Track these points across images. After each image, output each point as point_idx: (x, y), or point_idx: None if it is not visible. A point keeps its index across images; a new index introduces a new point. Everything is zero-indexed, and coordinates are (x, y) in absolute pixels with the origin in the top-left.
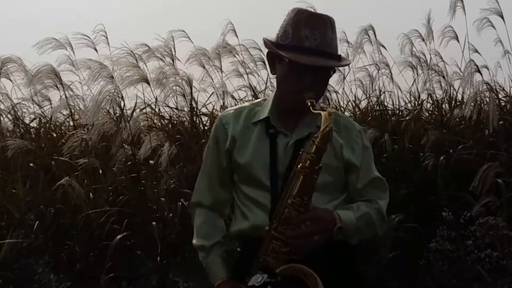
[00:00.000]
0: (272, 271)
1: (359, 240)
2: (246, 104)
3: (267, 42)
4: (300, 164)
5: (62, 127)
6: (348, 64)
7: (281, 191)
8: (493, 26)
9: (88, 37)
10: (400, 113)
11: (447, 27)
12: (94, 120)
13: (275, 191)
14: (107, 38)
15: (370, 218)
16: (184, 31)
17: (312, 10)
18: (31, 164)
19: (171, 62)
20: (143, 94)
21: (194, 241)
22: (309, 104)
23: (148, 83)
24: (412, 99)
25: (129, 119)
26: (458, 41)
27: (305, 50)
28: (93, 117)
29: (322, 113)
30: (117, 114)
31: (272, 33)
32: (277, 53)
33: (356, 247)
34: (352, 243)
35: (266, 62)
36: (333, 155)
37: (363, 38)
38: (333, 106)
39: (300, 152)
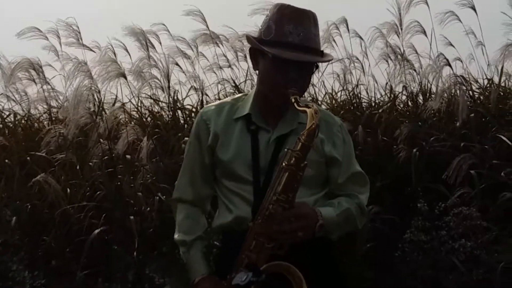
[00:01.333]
0: (257, 269)
1: (339, 236)
2: (227, 99)
3: (250, 38)
4: (286, 162)
5: (39, 122)
6: (330, 60)
7: (264, 185)
8: (459, 19)
9: (74, 29)
10: (376, 105)
11: (413, 21)
12: (73, 115)
13: (257, 185)
14: (79, 33)
15: (350, 213)
16: (164, 24)
17: (295, 5)
18: (6, 161)
19: (149, 54)
20: (121, 88)
21: (175, 236)
22: (293, 100)
23: (125, 78)
24: (387, 91)
25: (106, 113)
26: (425, 35)
27: (289, 46)
28: (72, 112)
29: (308, 110)
30: (94, 109)
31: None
32: (261, 48)
33: (335, 243)
34: (332, 238)
35: (248, 58)
36: (314, 150)
37: (331, 31)
38: (309, 98)
39: (286, 150)
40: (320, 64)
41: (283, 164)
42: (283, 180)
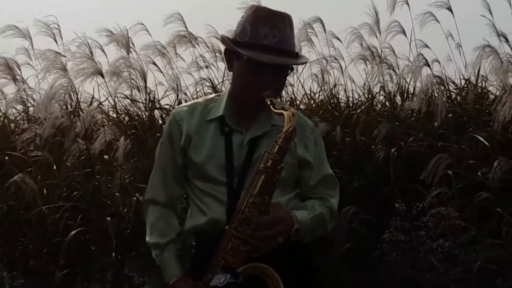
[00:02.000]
0: (234, 271)
1: (310, 239)
2: (200, 100)
3: (224, 39)
4: (263, 164)
5: (16, 122)
6: (305, 62)
7: (237, 186)
8: (437, 20)
9: (49, 26)
10: (354, 105)
11: (393, 22)
12: (47, 114)
13: (231, 186)
14: (60, 30)
15: (323, 217)
16: (142, 24)
17: (269, 8)
18: None
19: (127, 54)
20: (98, 88)
21: (147, 239)
22: (268, 102)
23: (102, 76)
24: (365, 91)
25: (83, 112)
26: (405, 35)
27: (264, 48)
28: (45, 110)
29: (285, 113)
30: (71, 108)
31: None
32: (236, 50)
33: (310, 244)
34: (304, 241)
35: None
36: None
37: (308, 30)
38: (288, 99)
39: (263, 152)
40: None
41: (260, 166)
42: (260, 183)
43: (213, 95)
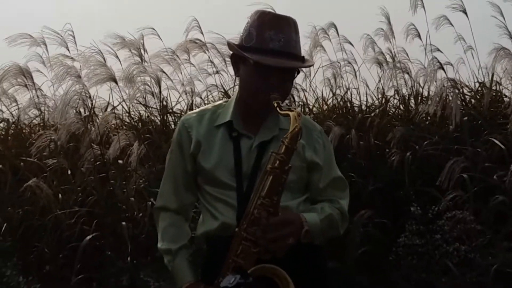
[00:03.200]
0: (244, 272)
1: (321, 241)
2: (208, 106)
3: (231, 44)
4: (270, 165)
5: (30, 128)
6: (311, 65)
7: (247, 191)
8: (451, 24)
9: (60, 34)
10: (368, 109)
11: (410, 25)
12: (62, 120)
13: (241, 190)
14: (74, 37)
15: (333, 219)
16: (153, 29)
17: (275, 12)
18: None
19: (139, 60)
20: (111, 93)
21: (159, 245)
22: (275, 105)
23: (116, 82)
24: (379, 96)
25: (97, 118)
26: (420, 38)
27: (270, 52)
28: (61, 117)
29: (291, 113)
30: (85, 114)
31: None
32: (242, 55)
33: (322, 247)
34: (315, 243)
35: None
36: (296, 155)
37: (321, 36)
38: (300, 103)
39: (270, 153)
40: (307, 69)
41: (268, 167)
42: (268, 184)
43: (221, 101)
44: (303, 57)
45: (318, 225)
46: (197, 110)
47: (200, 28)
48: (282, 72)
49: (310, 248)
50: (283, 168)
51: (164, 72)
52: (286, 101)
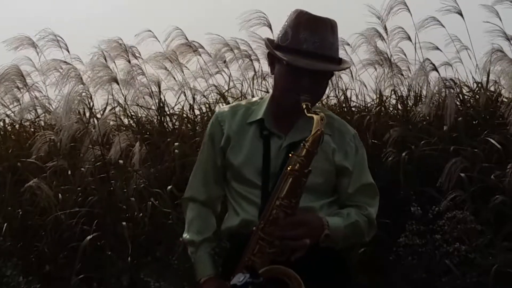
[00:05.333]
0: (255, 271)
1: (343, 246)
2: (243, 102)
3: (267, 43)
4: (290, 167)
5: (30, 128)
6: (347, 68)
7: (272, 190)
8: (442, 25)
9: (61, 37)
10: (365, 109)
11: (397, 27)
12: (65, 121)
13: (266, 189)
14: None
15: (358, 226)
16: (151, 31)
17: (312, 13)
18: None
19: (137, 63)
20: (111, 94)
21: (184, 235)
22: (304, 107)
23: (118, 83)
24: (377, 95)
25: (98, 119)
26: (410, 40)
27: (303, 53)
28: (64, 118)
29: (315, 117)
30: (86, 115)
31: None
32: (275, 54)
33: (346, 254)
34: (336, 248)
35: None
36: (324, 158)
37: None
38: None
39: (290, 155)
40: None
41: (287, 169)
42: (287, 185)
43: (256, 98)
44: (340, 59)
45: (341, 230)
46: (232, 104)
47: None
48: (314, 74)
49: (331, 253)
50: (302, 171)
51: (164, 71)
52: (318, 104)
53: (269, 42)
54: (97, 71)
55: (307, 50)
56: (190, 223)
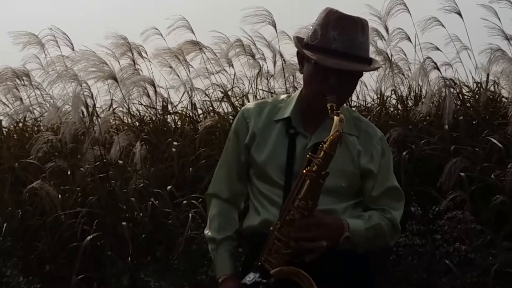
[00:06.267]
0: (266, 271)
1: (365, 250)
2: (269, 99)
3: (295, 41)
4: (307, 168)
5: (33, 127)
6: (378, 68)
7: None
8: (442, 25)
9: (66, 34)
10: (366, 109)
11: (397, 28)
12: (63, 119)
13: (288, 189)
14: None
15: (381, 229)
16: (157, 29)
17: (341, 12)
18: None
19: (135, 62)
20: (110, 93)
21: (205, 231)
22: (328, 107)
23: (116, 80)
24: (378, 95)
25: (98, 118)
26: (410, 41)
27: (332, 52)
28: (61, 116)
29: (335, 118)
30: (86, 115)
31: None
32: (303, 54)
33: (368, 257)
34: (358, 252)
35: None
36: (350, 161)
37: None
38: None
39: (307, 156)
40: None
41: (304, 170)
42: (304, 187)
43: (283, 96)
44: (371, 59)
45: (362, 232)
46: (258, 101)
47: (191, 28)
48: (342, 74)
49: (353, 256)
50: (319, 172)
51: (168, 69)
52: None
53: (298, 41)
54: (93, 65)
55: (336, 49)
56: (212, 220)
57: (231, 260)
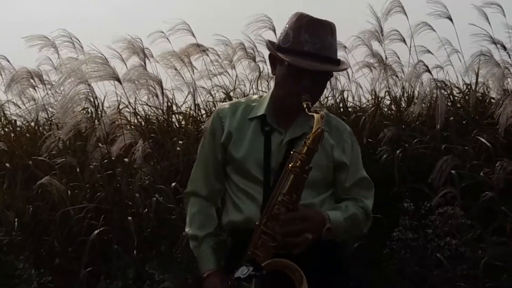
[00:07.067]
0: (258, 264)
1: (343, 239)
2: (242, 99)
3: (268, 44)
4: (291, 164)
5: (42, 127)
6: (346, 68)
7: (273, 185)
8: (433, 29)
9: (76, 38)
10: (361, 109)
11: (392, 30)
12: (66, 118)
13: (267, 185)
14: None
15: (357, 218)
16: (162, 32)
17: (312, 16)
18: (7, 165)
19: (143, 64)
20: (116, 93)
21: (186, 230)
22: (304, 106)
23: (119, 81)
24: (373, 96)
25: (103, 117)
26: (405, 43)
27: (305, 54)
28: (63, 115)
29: (316, 115)
30: (91, 114)
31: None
32: (277, 56)
33: (344, 246)
34: (337, 241)
35: (238, 66)
36: (324, 155)
37: None
38: None
39: (292, 152)
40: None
41: (289, 166)
42: (289, 182)
43: (255, 96)
44: (339, 60)
45: (341, 223)
46: (232, 101)
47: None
48: (314, 75)
49: (331, 246)
50: (303, 167)
51: (173, 71)
52: (317, 104)
53: (271, 44)
54: (97, 65)
55: (308, 51)
56: (193, 218)
57: (214, 256)
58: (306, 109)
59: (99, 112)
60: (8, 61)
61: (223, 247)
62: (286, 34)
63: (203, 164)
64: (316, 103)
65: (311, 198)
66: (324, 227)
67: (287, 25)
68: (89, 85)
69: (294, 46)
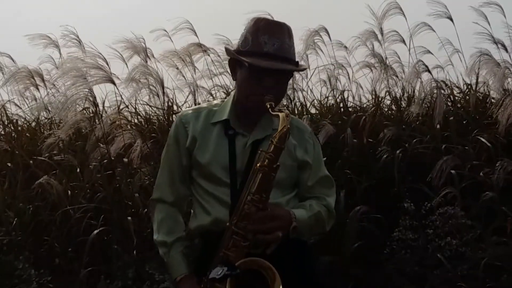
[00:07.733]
0: (232, 264)
1: (308, 237)
2: (204, 104)
3: (228, 49)
4: (259, 163)
5: (42, 127)
6: (304, 69)
7: (240, 187)
8: (433, 30)
9: (77, 36)
10: (361, 109)
11: (391, 31)
12: (63, 116)
13: (234, 187)
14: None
15: (320, 216)
16: (165, 30)
17: (269, 18)
18: (8, 164)
19: (145, 62)
20: (116, 92)
21: (155, 237)
22: (268, 106)
23: (114, 83)
24: (373, 96)
25: (102, 117)
26: (405, 43)
27: (264, 55)
28: (63, 115)
29: (280, 114)
30: (91, 113)
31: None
32: (238, 58)
33: (308, 243)
34: (303, 239)
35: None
36: (287, 155)
37: (314, 38)
38: (298, 103)
39: (259, 151)
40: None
41: (257, 165)
42: (257, 181)
43: (216, 100)
44: (297, 62)
45: (306, 221)
46: (194, 107)
47: (194, 31)
48: (275, 74)
49: (298, 244)
50: (271, 166)
51: (174, 70)
52: (284, 102)
53: (230, 49)
54: (94, 67)
55: (267, 52)
56: (160, 224)
57: (184, 260)
58: (269, 109)
59: (99, 112)
60: (12, 59)
61: (193, 251)
62: (244, 38)
63: (168, 170)
64: (279, 104)
65: (277, 198)
66: (291, 225)
67: (244, 30)
68: (88, 83)
69: (254, 48)
